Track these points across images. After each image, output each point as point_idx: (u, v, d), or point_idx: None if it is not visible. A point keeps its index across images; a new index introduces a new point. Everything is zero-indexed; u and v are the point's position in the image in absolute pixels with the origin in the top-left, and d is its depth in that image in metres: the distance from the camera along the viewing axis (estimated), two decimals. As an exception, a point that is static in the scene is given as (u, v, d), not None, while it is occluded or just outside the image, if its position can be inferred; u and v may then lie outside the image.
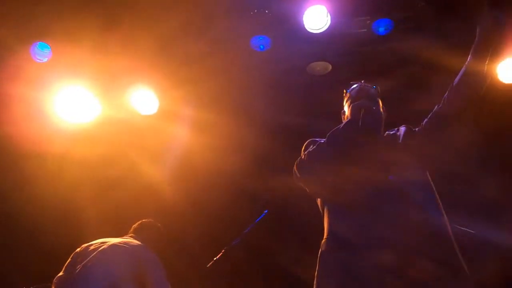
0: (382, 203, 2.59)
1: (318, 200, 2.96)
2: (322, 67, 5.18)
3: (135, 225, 4.51)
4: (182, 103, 5.46)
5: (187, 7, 4.70)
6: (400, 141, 2.93)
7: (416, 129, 2.99)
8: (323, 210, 2.87)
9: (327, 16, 4.73)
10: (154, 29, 4.80)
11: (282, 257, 5.71)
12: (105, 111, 5.40)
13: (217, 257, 4.15)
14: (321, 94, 5.24)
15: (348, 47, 5.10)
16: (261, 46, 5.01)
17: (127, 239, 4.19)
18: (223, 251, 4.18)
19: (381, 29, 4.97)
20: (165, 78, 5.24)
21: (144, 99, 5.34)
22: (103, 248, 4.00)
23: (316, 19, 4.73)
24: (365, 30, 5.00)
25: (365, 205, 2.61)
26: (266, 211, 4.56)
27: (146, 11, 4.69)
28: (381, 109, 3.06)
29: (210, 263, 4.10)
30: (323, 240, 2.73)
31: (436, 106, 2.89)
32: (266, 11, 4.91)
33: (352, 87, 3.16)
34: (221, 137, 5.62)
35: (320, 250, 2.71)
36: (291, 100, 5.42)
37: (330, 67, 5.20)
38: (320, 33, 4.80)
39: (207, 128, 5.58)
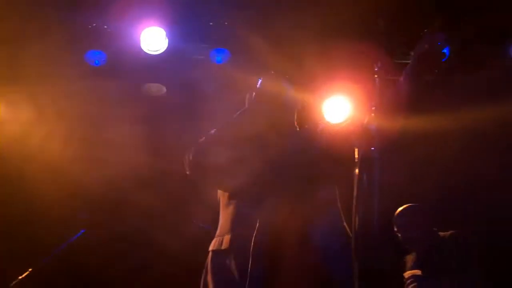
0: None
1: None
2: (156, 88, 5.21)
3: None
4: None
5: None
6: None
7: None
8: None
9: (165, 39, 4.78)
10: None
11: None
12: None
13: (23, 276, 3.96)
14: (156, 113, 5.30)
15: (184, 71, 5.17)
16: (96, 61, 4.92)
17: None
18: (29, 270, 3.99)
19: (218, 58, 5.10)
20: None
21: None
22: None
23: (154, 40, 4.75)
24: (203, 57, 5.12)
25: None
26: (83, 231, 4.44)
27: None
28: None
29: (14, 282, 3.89)
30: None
31: None
32: (105, 27, 4.84)
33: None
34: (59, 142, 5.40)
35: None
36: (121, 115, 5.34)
37: (164, 89, 5.25)
38: (157, 54, 4.82)
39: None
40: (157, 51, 4.77)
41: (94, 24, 4.83)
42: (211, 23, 4.90)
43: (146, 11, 4.72)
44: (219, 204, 2.88)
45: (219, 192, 2.90)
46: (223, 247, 2.69)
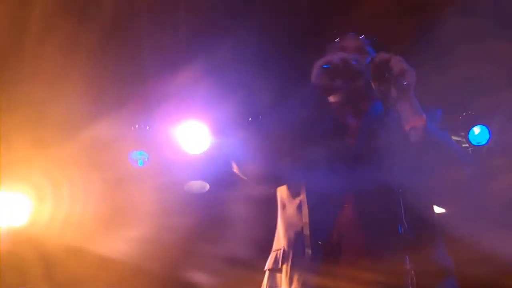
0: None
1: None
2: (199, 185, 5.22)
3: None
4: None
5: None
6: None
7: None
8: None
9: (208, 135, 4.83)
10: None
11: None
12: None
13: None
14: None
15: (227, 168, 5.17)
16: (140, 161, 4.99)
17: None
18: None
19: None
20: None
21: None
22: None
23: (196, 140, 4.80)
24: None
25: None
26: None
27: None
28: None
29: None
30: None
31: None
32: (147, 127, 4.94)
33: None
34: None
35: None
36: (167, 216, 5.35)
37: (207, 186, 5.25)
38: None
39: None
40: (199, 150, 4.80)
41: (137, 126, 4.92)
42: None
43: (187, 111, 4.80)
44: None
45: (278, 192, 2.52)
46: (280, 265, 2.32)
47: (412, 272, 1.89)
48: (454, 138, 4.84)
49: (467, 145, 4.82)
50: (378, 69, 2.17)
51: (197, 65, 4.31)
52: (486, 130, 4.83)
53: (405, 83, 2.13)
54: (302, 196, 2.32)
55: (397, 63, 2.16)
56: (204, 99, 4.69)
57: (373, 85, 2.19)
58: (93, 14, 4.10)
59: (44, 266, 5.26)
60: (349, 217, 2.21)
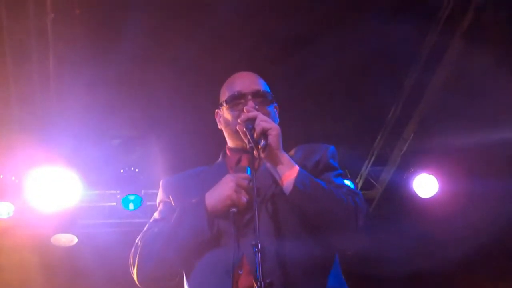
0: None
1: None
2: (67, 239, 5.05)
3: None
4: None
5: None
6: None
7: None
8: None
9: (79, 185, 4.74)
10: None
11: None
12: None
13: None
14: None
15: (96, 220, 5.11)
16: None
17: None
18: None
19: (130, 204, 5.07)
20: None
21: None
22: None
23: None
24: (115, 203, 5.08)
25: None
26: None
27: None
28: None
29: None
30: None
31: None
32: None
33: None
34: None
35: None
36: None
37: (76, 239, 5.10)
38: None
39: None
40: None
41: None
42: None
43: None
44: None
45: None
46: None
47: None
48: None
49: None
50: (246, 129, 2.18)
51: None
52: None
53: (268, 142, 2.13)
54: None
55: (260, 122, 2.16)
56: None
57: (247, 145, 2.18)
58: None
59: None
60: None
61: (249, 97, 2.34)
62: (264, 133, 2.15)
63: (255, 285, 1.82)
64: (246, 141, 2.20)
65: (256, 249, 1.88)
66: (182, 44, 4.07)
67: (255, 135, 2.15)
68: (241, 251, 2.11)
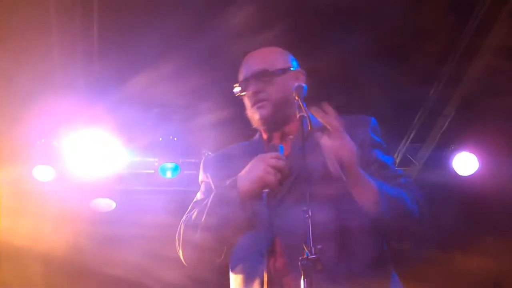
0: None
1: None
2: (106, 204, 5.14)
3: None
4: None
5: None
6: None
7: None
8: None
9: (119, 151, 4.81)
10: None
11: None
12: None
13: None
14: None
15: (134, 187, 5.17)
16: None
17: None
18: None
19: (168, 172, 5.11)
20: None
21: None
22: None
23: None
24: (153, 171, 5.13)
25: None
26: None
27: None
28: None
29: None
30: None
31: None
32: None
33: None
34: None
35: None
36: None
37: (114, 204, 5.19)
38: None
39: None
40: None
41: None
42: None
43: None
44: None
45: None
46: None
47: None
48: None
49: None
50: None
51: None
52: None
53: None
54: None
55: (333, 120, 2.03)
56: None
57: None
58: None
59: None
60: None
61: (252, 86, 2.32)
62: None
63: (305, 249, 1.79)
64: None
65: (307, 215, 1.85)
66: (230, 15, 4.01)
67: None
68: (274, 232, 2.11)
